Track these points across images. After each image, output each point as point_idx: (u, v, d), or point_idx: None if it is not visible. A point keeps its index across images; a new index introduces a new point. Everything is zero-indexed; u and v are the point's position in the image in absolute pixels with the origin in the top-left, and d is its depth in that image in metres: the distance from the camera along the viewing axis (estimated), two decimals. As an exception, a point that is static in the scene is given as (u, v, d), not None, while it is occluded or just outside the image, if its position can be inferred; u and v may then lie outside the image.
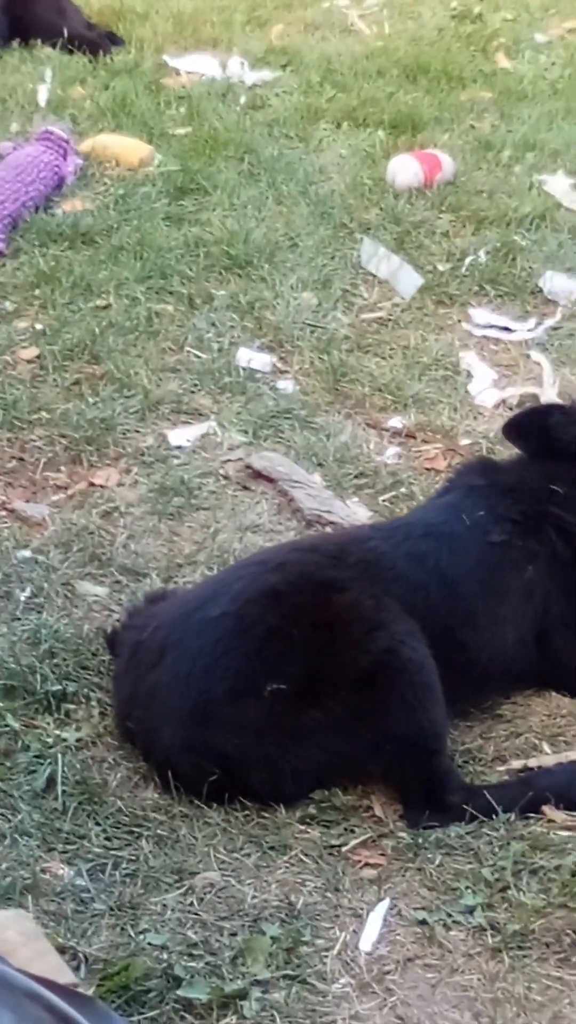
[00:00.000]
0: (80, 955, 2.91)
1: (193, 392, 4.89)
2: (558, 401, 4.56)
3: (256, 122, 6.92)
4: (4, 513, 4.26)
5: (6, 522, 4.22)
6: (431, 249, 5.78)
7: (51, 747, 3.39)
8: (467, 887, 3.07)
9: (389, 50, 7.80)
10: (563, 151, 6.61)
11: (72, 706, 3.53)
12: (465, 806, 3.24)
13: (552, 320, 5.37)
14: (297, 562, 3.43)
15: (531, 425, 3.83)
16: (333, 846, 3.20)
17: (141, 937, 2.95)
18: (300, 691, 3.23)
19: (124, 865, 3.13)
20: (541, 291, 5.55)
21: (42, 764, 3.34)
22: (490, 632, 3.52)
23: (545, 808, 3.27)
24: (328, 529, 4.17)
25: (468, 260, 5.69)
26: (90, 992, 2.77)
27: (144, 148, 6.49)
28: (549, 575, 3.59)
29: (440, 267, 5.66)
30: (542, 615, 3.59)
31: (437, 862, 3.15)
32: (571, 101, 7.18)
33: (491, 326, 5.35)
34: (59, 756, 3.36)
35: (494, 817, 3.23)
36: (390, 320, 5.37)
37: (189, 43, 7.96)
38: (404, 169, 6.22)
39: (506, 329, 5.33)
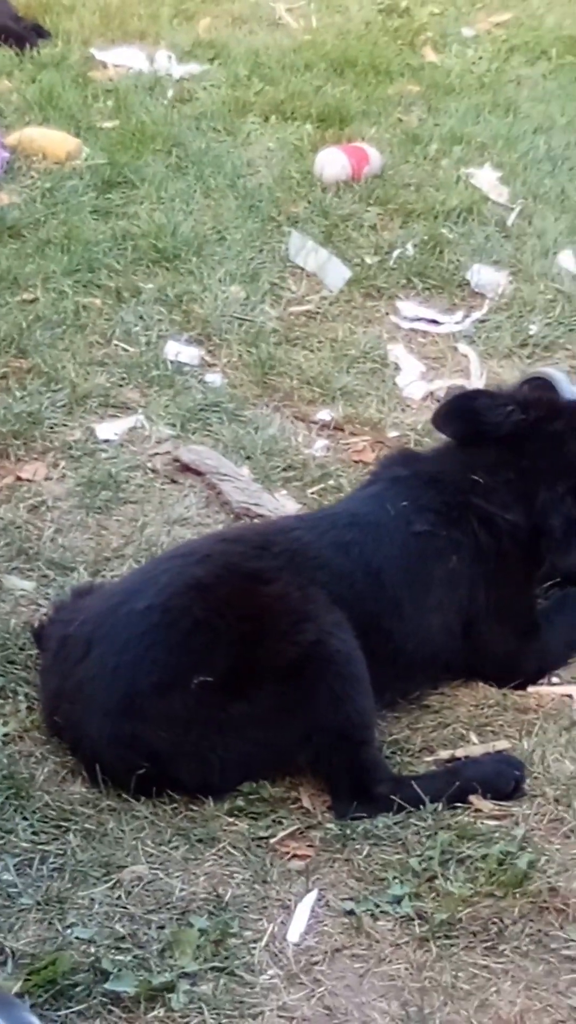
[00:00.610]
0: (7, 950, 2.90)
1: (121, 386, 4.87)
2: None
3: (184, 115, 6.89)
4: None
5: None
6: (359, 242, 5.78)
7: (-23, 742, 3.38)
8: (395, 877, 3.09)
9: (316, 44, 7.78)
10: (490, 144, 6.62)
11: (-1, 700, 3.52)
12: (393, 796, 3.26)
13: (479, 313, 5.38)
14: (222, 553, 3.43)
15: (459, 410, 3.84)
16: (261, 838, 3.20)
17: (68, 931, 2.95)
18: (227, 683, 3.23)
19: (51, 859, 3.12)
20: (468, 284, 5.56)
21: (-32, 759, 3.33)
22: (416, 621, 3.53)
23: (472, 798, 3.28)
24: (256, 522, 4.16)
25: (396, 253, 5.70)
26: (16, 987, 2.76)
27: (71, 141, 6.45)
28: (473, 565, 3.60)
29: (368, 260, 5.67)
30: (468, 604, 3.60)
31: (365, 853, 3.16)
32: (498, 95, 7.20)
33: (419, 319, 5.36)
34: (-14, 751, 3.34)
35: (422, 807, 3.24)
36: (318, 313, 5.37)
37: (116, 36, 7.91)
38: (332, 162, 6.22)
39: (434, 322, 5.34)
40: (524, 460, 3.72)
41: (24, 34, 7.63)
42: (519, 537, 3.67)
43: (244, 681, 3.25)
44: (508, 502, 3.66)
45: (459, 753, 3.46)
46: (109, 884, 3.06)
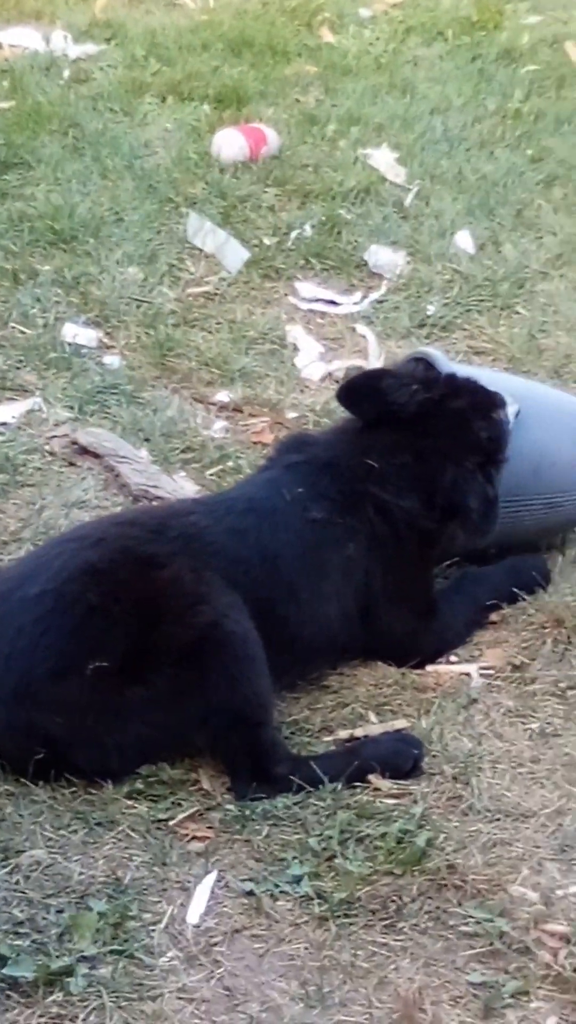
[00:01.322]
0: None
1: (18, 368, 4.84)
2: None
3: (80, 96, 6.83)
4: None
5: None
6: (257, 223, 5.78)
7: None
8: (294, 857, 3.09)
9: (214, 24, 7.76)
10: (387, 125, 6.63)
11: None
12: (292, 777, 3.26)
13: (377, 294, 5.40)
14: (117, 537, 3.41)
15: (365, 389, 3.83)
16: (160, 820, 3.19)
17: (-34, 918, 2.93)
18: (123, 668, 3.22)
19: (-52, 845, 3.10)
20: (366, 265, 5.57)
21: None
22: (312, 607, 3.53)
23: (371, 777, 3.30)
24: (152, 505, 4.15)
25: (294, 234, 5.70)
26: None
27: (-34, 122, 6.40)
28: (370, 552, 3.61)
29: (266, 241, 5.66)
30: (364, 591, 3.62)
31: (264, 833, 3.16)
32: (395, 76, 7.21)
33: (317, 300, 5.37)
34: None
35: (321, 787, 3.25)
36: (216, 294, 5.36)
37: (11, 15, 7.84)
38: (229, 143, 6.21)
39: (332, 303, 5.35)
40: (428, 440, 3.71)
41: None
42: (416, 522, 3.67)
43: (140, 665, 3.24)
44: (404, 488, 3.66)
45: (358, 733, 3.46)
46: (7, 869, 3.03)
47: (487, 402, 3.80)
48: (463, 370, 4.00)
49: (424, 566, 3.79)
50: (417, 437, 3.72)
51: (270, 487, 3.65)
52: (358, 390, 3.84)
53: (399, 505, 3.65)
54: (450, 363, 4.03)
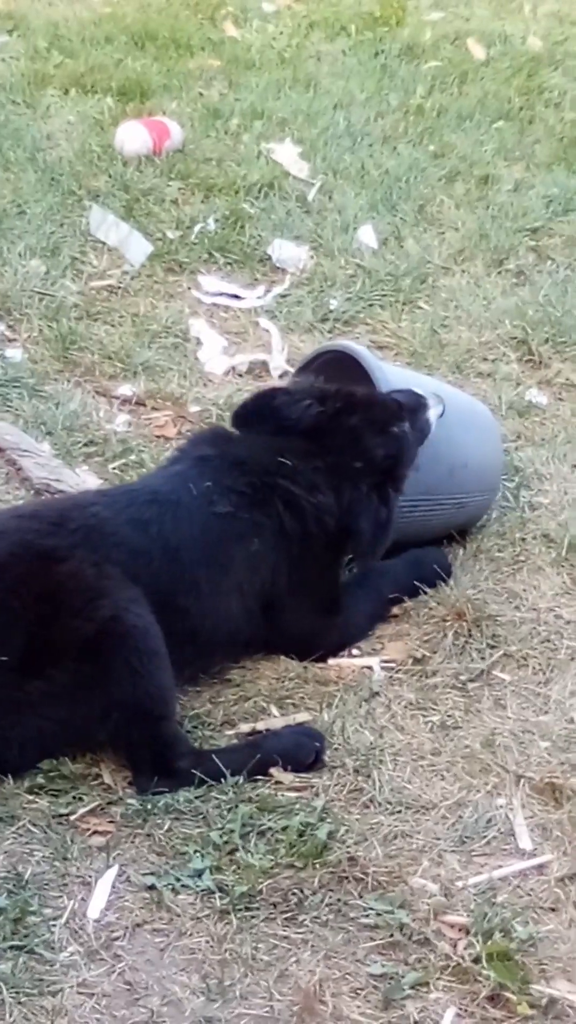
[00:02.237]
0: None
1: None
2: (282, 380, 4.63)
3: (-18, 87, 6.80)
4: None
5: None
6: (160, 216, 5.76)
7: None
8: (196, 851, 3.09)
9: (117, 16, 7.73)
10: (290, 120, 6.64)
11: None
12: (194, 771, 3.26)
13: (280, 288, 5.41)
14: (17, 530, 3.39)
15: (259, 409, 3.84)
16: (62, 815, 3.18)
17: None
18: (23, 662, 3.20)
19: None
20: (270, 259, 5.58)
21: None
22: (214, 600, 3.53)
23: (273, 770, 3.31)
24: (54, 497, 4.13)
25: (197, 228, 5.69)
26: None
27: None
28: (276, 547, 3.62)
29: (170, 235, 5.65)
30: (269, 586, 3.62)
31: (166, 827, 3.16)
32: (298, 70, 7.22)
33: (220, 293, 5.37)
34: None
35: (222, 781, 3.26)
36: (119, 288, 5.34)
37: None
38: (133, 136, 6.18)
39: (235, 296, 5.36)
40: (329, 455, 3.73)
41: None
42: (325, 521, 3.68)
43: (41, 659, 3.22)
44: (316, 485, 3.68)
45: (260, 726, 3.48)
46: None
47: (383, 416, 3.80)
48: (380, 364, 4.03)
49: (332, 563, 3.79)
50: (322, 450, 3.73)
51: (177, 479, 3.64)
52: (251, 412, 3.85)
53: (309, 500, 3.65)
54: (369, 356, 4.05)
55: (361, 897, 3.02)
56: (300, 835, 3.12)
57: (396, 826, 3.21)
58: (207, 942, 2.91)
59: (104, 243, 5.55)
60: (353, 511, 3.71)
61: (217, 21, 7.84)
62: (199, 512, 3.56)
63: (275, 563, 3.62)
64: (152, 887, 3.01)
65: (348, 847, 3.11)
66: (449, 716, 3.56)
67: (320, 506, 3.67)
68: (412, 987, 2.85)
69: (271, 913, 2.98)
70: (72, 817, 3.18)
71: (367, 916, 2.98)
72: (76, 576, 3.28)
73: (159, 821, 3.17)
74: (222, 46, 7.50)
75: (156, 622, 3.30)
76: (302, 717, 3.51)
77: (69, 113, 6.59)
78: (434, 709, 3.59)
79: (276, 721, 3.50)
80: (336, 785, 3.31)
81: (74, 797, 3.23)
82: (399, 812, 3.26)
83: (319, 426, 3.76)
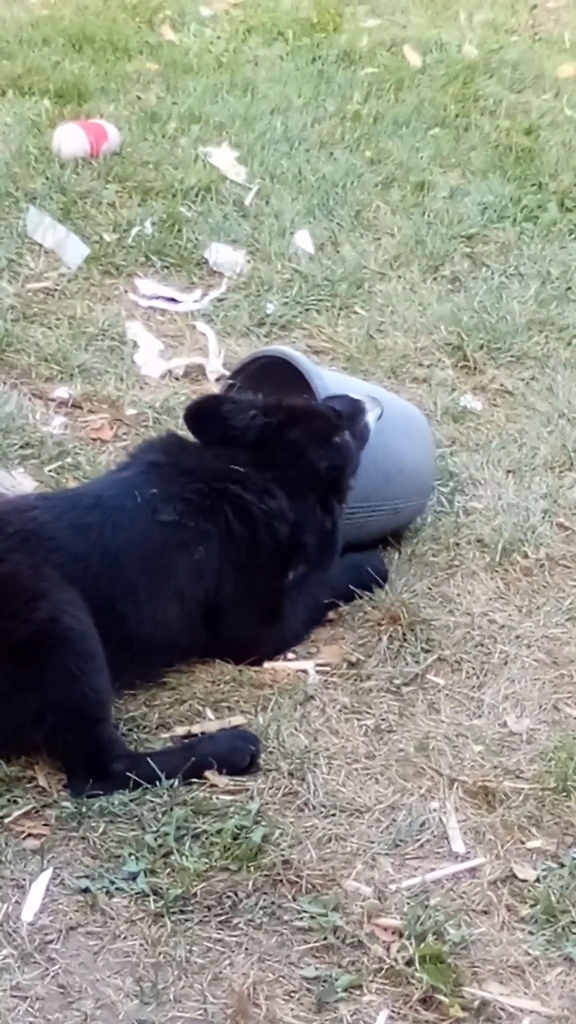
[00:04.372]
0: None
1: None
2: (218, 383, 4.64)
3: None
4: None
5: None
6: (97, 219, 5.75)
7: None
8: (130, 854, 3.10)
9: (54, 19, 7.71)
10: (228, 124, 6.65)
11: None
12: (129, 773, 3.26)
13: (217, 291, 5.41)
14: (-46, 533, 3.38)
15: (207, 412, 3.84)
16: (-5, 818, 3.18)
17: None
18: (-42, 663, 3.19)
19: None
20: (206, 262, 5.59)
21: None
22: (152, 607, 3.53)
23: (208, 773, 3.31)
24: (-7, 500, 4.12)
25: (134, 231, 5.69)
26: None
27: None
28: (222, 554, 3.62)
29: (107, 237, 5.65)
30: (213, 594, 3.62)
31: (101, 830, 3.16)
32: (236, 74, 7.23)
33: (157, 297, 5.37)
34: None
35: (158, 784, 3.26)
36: (56, 290, 5.33)
37: None
38: (70, 139, 6.17)
39: (172, 300, 5.36)
40: (275, 469, 3.74)
41: None
42: (276, 528, 3.70)
43: (-25, 661, 3.22)
44: (267, 491, 3.69)
45: (195, 729, 3.48)
46: None
47: (326, 429, 3.82)
48: (317, 370, 4.04)
49: (279, 572, 3.79)
50: (269, 463, 3.74)
51: (122, 485, 3.64)
52: (203, 413, 3.84)
53: (259, 507, 3.66)
54: (306, 361, 4.06)
55: (295, 900, 3.04)
56: (235, 838, 3.12)
57: (330, 829, 3.23)
58: (141, 945, 2.91)
59: (41, 245, 5.54)
60: (300, 525, 3.73)
61: (155, 25, 7.84)
62: (142, 519, 3.55)
63: (220, 571, 3.62)
64: (86, 890, 3.01)
65: (282, 850, 3.13)
66: (383, 720, 3.58)
67: (271, 513, 3.68)
68: (345, 990, 2.86)
69: (205, 916, 2.98)
70: (6, 820, 3.17)
71: (301, 919, 2.99)
72: (13, 577, 3.27)
73: (94, 824, 3.17)
74: (160, 50, 7.50)
75: (93, 625, 3.29)
76: (237, 720, 3.52)
77: (6, 115, 6.56)
78: (368, 713, 3.60)
79: (211, 724, 3.50)
80: (271, 788, 3.32)
81: (8, 800, 3.22)
82: (333, 815, 3.27)
83: (264, 439, 3.76)
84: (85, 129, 6.23)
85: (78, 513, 3.51)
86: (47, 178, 5.98)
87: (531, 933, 3.04)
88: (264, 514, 3.67)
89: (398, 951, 2.93)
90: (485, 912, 3.08)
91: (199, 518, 3.60)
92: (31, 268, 5.43)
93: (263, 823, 3.18)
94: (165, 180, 6.06)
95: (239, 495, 3.65)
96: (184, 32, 7.81)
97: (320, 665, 3.75)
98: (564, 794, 3.38)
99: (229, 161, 6.28)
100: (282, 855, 3.11)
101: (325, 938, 2.96)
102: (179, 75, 7.19)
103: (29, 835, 3.14)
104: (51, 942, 2.90)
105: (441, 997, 2.85)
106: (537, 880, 3.16)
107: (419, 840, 3.24)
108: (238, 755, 3.36)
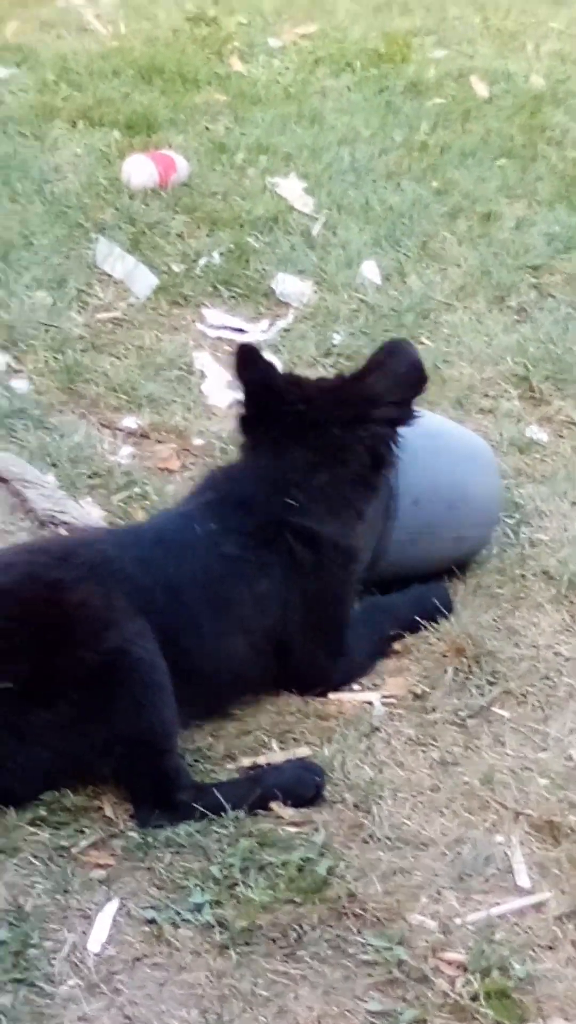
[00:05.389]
0: None
1: None
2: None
3: (-10, 119, 6.85)
4: None
5: None
6: (166, 250, 5.80)
7: None
8: (196, 885, 3.10)
9: (125, 50, 7.78)
10: (295, 155, 6.68)
11: None
12: (195, 804, 3.27)
13: (284, 322, 5.44)
14: (26, 563, 3.41)
15: (255, 358, 3.88)
16: (63, 847, 3.19)
17: None
18: (28, 691, 3.21)
19: None
20: (274, 293, 5.62)
21: None
22: (217, 641, 3.54)
23: (273, 805, 3.32)
24: (61, 529, 4.16)
25: (202, 261, 5.73)
26: None
27: None
28: (288, 584, 3.63)
29: (175, 268, 5.69)
30: (281, 626, 3.63)
31: (167, 861, 3.17)
32: (304, 106, 7.27)
33: (224, 327, 5.40)
34: None
35: (223, 814, 3.27)
36: (125, 320, 5.37)
37: None
38: (139, 169, 6.23)
39: (239, 330, 5.39)
40: (322, 471, 3.75)
41: None
42: (341, 545, 3.71)
43: (45, 689, 3.23)
44: (324, 514, 3.69)
45: (261, 760, 3.49)
46: None
47: (363, 406, 3.82)
48: None
49: (348, 592, 3.79)
50: (315, 467, 3.75)
51: (182, 521, 3.66)
52: (251, 358, 3.88)
53: (322, 531, 3.67)
54: None
55: (360, 933, 3.03)
56: (300, 870, 3.13)
57: (395, 862, 3.22)
58: (206, 977, 2.92)
59: (110, 275, 5.59)
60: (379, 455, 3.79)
61: (224, 56, 7.89)
62: (204, 553, 3.57)
63: (285, 602, 3.63)
64: (152, 921, 3.02)
65: (347, 883, 3.13)
66: (448, 752, 3.58)
67: (334, 533, 3.69)
68: (410, 1024, 2.87)
69: (270, 948, 2.99)
70: (73, 850, 3.18)
71: (366, 952, 2.99)
72: (84, 605, 3.29)
73: (160, 855, 3.18)
74: (228, 81, 7.55)
75: (161, 655, 3.31)
76: (302, 752, 3.53)
77: (76, 146, 6.63)
78: (434, 745, 3.60)
79: (277, 755, 3.51)
80: (336, 820, 3.33)
81: (75, 829, 3.24)
82: (398, 848, 3.27)
83: (307, 436, 3.77)
84: (154, 160, 6.28)
85: (142, 548, 3.54)
86: (116, 209, 6.03)
87: (597, 969, 3.03)
88: (328, 536, 3.68)
89: (463, 986, 2.93)
90: (551, 947, 3.06)
91: (262, 550, 3.61)
92: (100, 298, 5.47)
93: (328, 855, 3.19)
94: (233, 210, 6.10)
95: (299, 523, 3.66)
96: (252, 63, 7.86)
97: (385, 696, 3.75)
98: (630, 829, 3.37)
99: (297, 192, 6.32)
100: (347, 888, 3.11)
101: (390, 972, 2.95)
102: (247, 106, 7.24)
103: (96, 865, 3.16)
104: (117, 973, 2.92)
105: (506, 1033, 2.85)
106: (603, 916, 3.15)
107: (484, 874, 3.23)
108: (303, 787, 3.36)
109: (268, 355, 4.98)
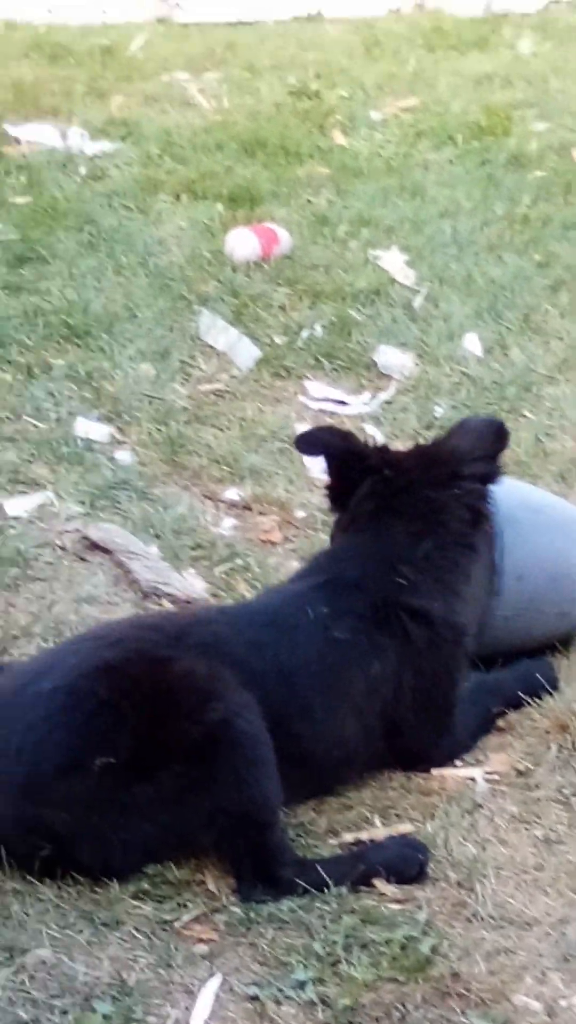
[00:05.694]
0: None
1: (30, 462, 4.88)
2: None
3: (96, 192, 6.96)
4: None
5: None
6: (268, 322, 5.85)
7: None
8: (298, 961, 3.08)
9: (228, 124, 7.89)
10: (397, 227, 6.73)
11: None
12: (297, 880, 3.26)
13: (386, 394, 5.46)
14: (136, 639, 3.42)
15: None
16: (166, 921, 3.19)
17: (-30, 1017, 2.92)
18: (131, 764, 3.22)
19: (-46, 943, 3.09)
20: (375, 365, 5.65)
21: None
22: (328, 725, 3.52)
23: (376, 881, 3.30)
24: (165, 601, 4.19)
25: (304, 333, 5.77)
26: None
27: (-17, 216, 6.50)
28: (401, 665, 3.60)
29: (277, 340, 5.74)
30: (393, 707, 3.61)
31: (269, 936, 3.16)
32: (405, 178, 7.33)
33: (326, 399, 5.43)
34: None
35: (326, 891, 3.25)
36: (228, 392, 5.42)
37: (29, 112, 7.98)
38: (242, 242, 6.30)
39: (341, 402, 5.42)
40: (424, 540, 3.74)
41: None
42: (456, 622, 3.69)
43: (148, 762, 3.24)
44: (433, 587, 3.68)
45: (363, 836, 3.47)
46: (12, 968, 3.03)
47: (447, 467, 3.82)
48: None
49: (460, 670, 3.76)
50: (416, 537, 3.74)
51: (295, 602, 3.63)
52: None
53: (436, 610, 3.65)
54: None
55: (464, 1014, 3.00)
56: (403, 948, 3.10)
57: (499, 942, 3.19)
58: (309, 1055, 2.91)
59: (213, 348, 5.65)
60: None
61: (326, 129, 7.98)
62: (316, 637, 3.55)
63: (399, 682, 3.61)
64: (255, 998, 3.01)
65: (451, 962, 3.09)
66: (552, 831, 3.54)
67: (446, 610, 3.67)
68: None
69: (374, 1027, 2.97)
70: (176, 924, 3.18)
71: (470, 1033, 2.97)
72: (188, 676, 3.29)
73: (262, 930, 3.17)
74: (330, 154, 7.63)
75: (266, 730, 3.31)
76: (405, 828, 3.50)
77: (180, 219, 6.72)
78: (537, 823, 3.56)
79: (379, 831, 3.49)
80: (439, 898, 3.30)
81: (178, 903, 3.24)
82: (502, 927, 3.23)
83: (402, 503, 3.77)
84: (257, 233, 6.36)
85: (255, 629, 3.53)
86: (219, 281, 6.10)
87: None
88: (441, 615, 3.67)
89: (568, 1069, 2.90)
90: None
91: (375, 632, 3.59)
92: (203, 370, 5.53)
93: (432, 933, 3.16)
94: (335, 283, 6.15)
95: (411, 603, 3.65)
96: (354, 136, 7.94)
97: (488, 773, 3.72)
98: None
99: (398, 264, 6.36)
100: (451, 967, 3.08)
101: (494, 1054, 2.93)
102: (349, 179, 7.31)
103: (198, 940, 3.15)
104: (220, 1049, 2.92)
105: None
106: None
107: (589, 956, 3.20)
108: (407, 864, 3.34)
109: (370, 427, 5.12)
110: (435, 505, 3.76)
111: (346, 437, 3.90)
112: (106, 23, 9.81)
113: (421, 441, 5.04)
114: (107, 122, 7.90)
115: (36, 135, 7.61)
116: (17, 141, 7.54)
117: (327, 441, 3.91)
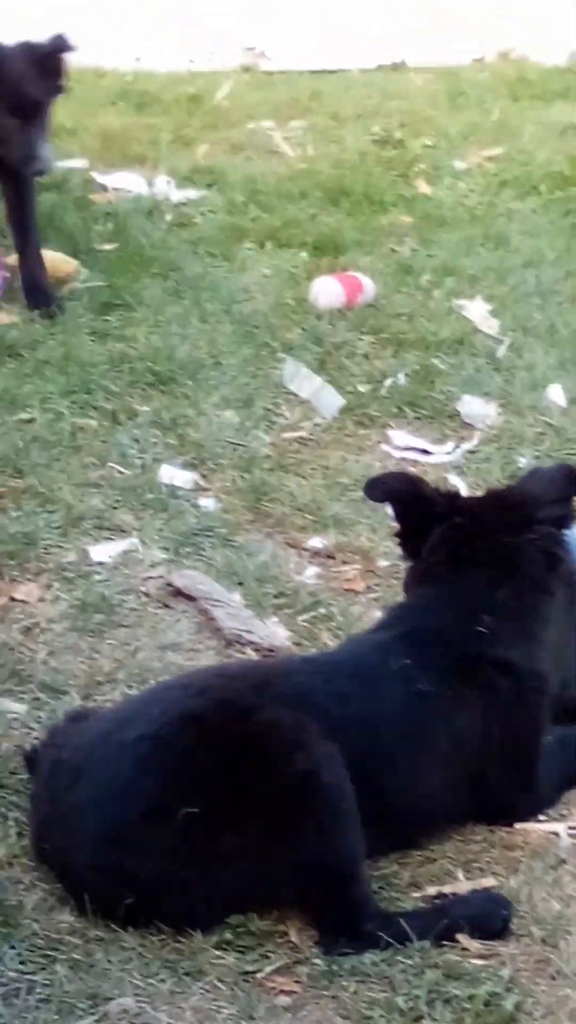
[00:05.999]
0: None
1: (115, 508, 4.91)
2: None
3: (181, 240, 7.01)
4: None
5: None
6: (352, 370, 5.87)
7: (-33, 868, 3.38)
8: (381, 1016, 3.07)
9: (312, 172, 7.94)
10: (481, 277, 6.74)
11: (-11, 826, 3.52)
12: (380, 933, 3.24)
13: (469, 444, 5.46)
14: (220, 688, 3.43)
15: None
16: (248, 972, 3.18)
17: (54, 1064, 2.93)
18: (215, 814, 3.22)
19: (38, 990, 3.10)
20: (459, 415, 5.64)
21: (-43, 885, 3.32)
22: (412, 780, 3.51)
23: (459, 936, 3.27)
24: (248, 649, 4.20)
25: (388, 382, 5.78)
26: None
27: (70, 263, 6.55)
28: (486, 718, 3.58)
29: (361, 388, 5.75)
30: (477, 760, 3.59)
31: (352, 990, 3.14)
32: (489, 228, 7.33)
33: (410, 448, 5.43)
34: (-25, 877, 3.34)
35: (409, 944, 3.23)
36: (311, 440, 5.43)
37: (116, 160, 8.06)
38: (326, 290, 6.33)
39: (424, 452, 5.42)
40: (504, 587, 3.72)
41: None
42: (536, 668, 3.67)
43: (232, 812, 3.24)
44: (515, 635, 3.66)
45: (446, 890, 3.45)
46: (96, 1016, 3.04)
47: (521, 513, 3.81)
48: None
49: (544, 722, 3.73)
50: (496, 586, 3.73)
51: (378, 654, 3.63)
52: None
53: (517, 659, 3.63)
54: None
55: (548, 1073, 2.99)
56: (486, 1005, 3.08)
57: (584, 1001, 3.17)
58: None
59: (297, 395, 5.67)
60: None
61: (410, 178, 8.00)
62: (400, 690, 3.54)
63: (484, 734, 3.59)
64: (338, 1051, 3.01)
65: (535, 1020, 3.07)
66: None
67: (529, 659, 3.66)
68: None
69: None
70: (258, 975, 3.17)
71: None
72: (273, 727, 3.29)
73: (345, 983, 3.16)
74: (414, 203, 7.65)
75: (350, 782, 3.30)
76: (488, 882, 3.48)
77: (264, 266, 6.76)
78: (622, 880, 3.55)
79: (462, 885, 3.47)
80: (523, 954, 3.27)
81: (261, 955, 3.23)
82: (587, 986, 3.22)
83: (477, 549, 3.75)
84: (341, 281, 6.38)
85: (339, 681, 3.52)
86: (303, 329, 6.13)
87: None
88: (528, 666, 3.65)
89: None
90: None
91: (460, 685, 3.57)
92: (287, 418, 5.55)
93: (515, 990, 3.14)
94: (418, 332, 6.16)
95: (495, 655, 3.62)
96: (438, 185, 7.95)
97: (571, 827, 3.69)
98: None
99: (482, 314, 6.37)
100: (535, 1025, 3.07)
101: None
102: (433, 228, 7.33)
103: (281, 992, 3.14)
104: None
105: None
106: None
107: None
108: (491, 919, 3.31)
109: (453, 477, 5.12)
110: (510, 551, 3.75)
111: (414, 483, 3.91)
112: (192, 71, 9.88)
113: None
114: (193, 170, 7.96)
115: (123, 183, 7.68)
116: (104, 189, 7.61)
117: (393, 487, 3.92)
